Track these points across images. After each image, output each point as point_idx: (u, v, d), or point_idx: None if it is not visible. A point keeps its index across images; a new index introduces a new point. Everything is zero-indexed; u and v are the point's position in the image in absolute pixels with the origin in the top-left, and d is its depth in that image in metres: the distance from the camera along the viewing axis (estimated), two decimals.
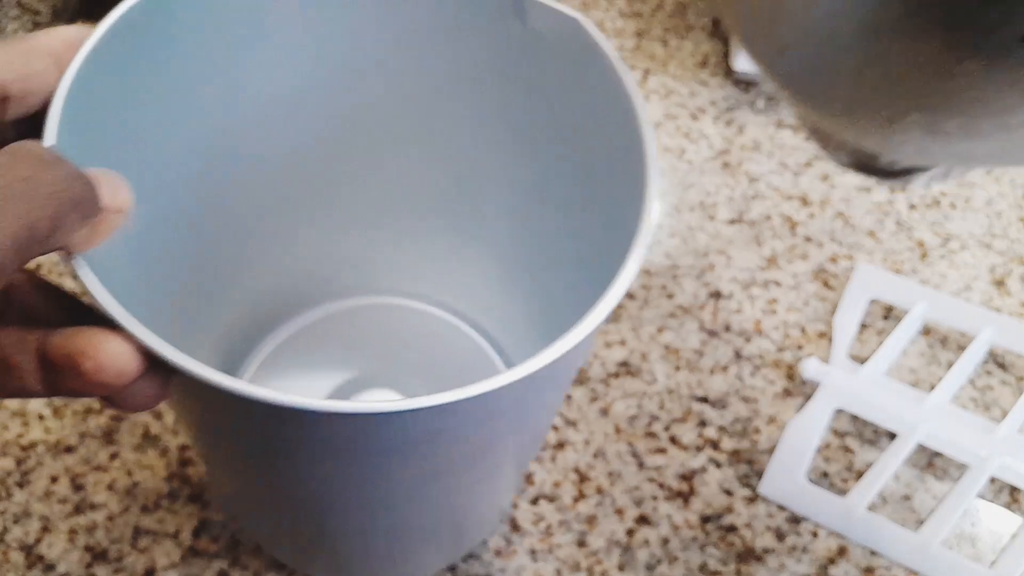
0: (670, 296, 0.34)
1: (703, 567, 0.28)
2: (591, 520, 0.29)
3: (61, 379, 0.16)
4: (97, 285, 0.16)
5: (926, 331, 0.34)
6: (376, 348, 0.31)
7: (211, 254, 0.26)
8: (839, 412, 0.31)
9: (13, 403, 0.32)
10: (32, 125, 0.18)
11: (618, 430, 0.31)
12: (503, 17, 0.22)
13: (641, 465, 0.30)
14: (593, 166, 0.22)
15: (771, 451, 0.30)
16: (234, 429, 0.19)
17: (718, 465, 0.30)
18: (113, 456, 0.30)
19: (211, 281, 0.27)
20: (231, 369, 0.30)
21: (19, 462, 0.30)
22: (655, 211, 0.18)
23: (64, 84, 0.18)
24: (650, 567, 0.28)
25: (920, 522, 0.29)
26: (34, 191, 0.14)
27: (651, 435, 0.31)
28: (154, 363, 0.16)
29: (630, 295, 0.34)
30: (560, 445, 0.31)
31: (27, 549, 0.29)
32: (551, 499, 0.30)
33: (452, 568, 0.28)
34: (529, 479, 0.30)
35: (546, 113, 0.23)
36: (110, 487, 0.30)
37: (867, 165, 0.19)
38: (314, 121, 0.25)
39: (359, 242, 0.30)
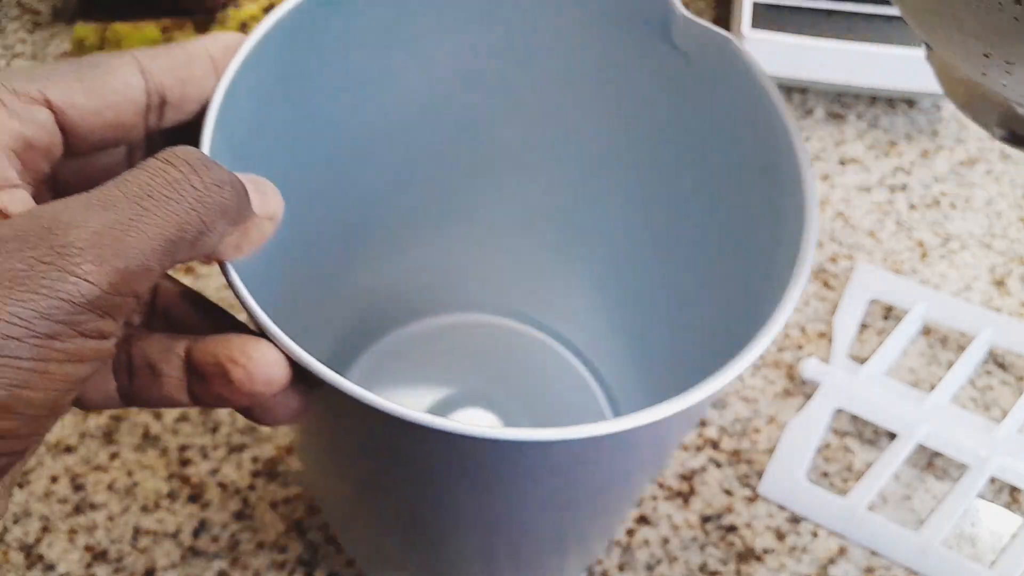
0: None
1: (703, 567, 0.28)
2: None
3: (207, 388, 0.16)
4: (246, 293, 0.16)
5: (926, 331, 0.34)
6: (475, 366, 0.30)
7: (320, 264, 0.26)
8: (839, 412, 0.31)
9: None
10: (184, 133, 0.18)
11: None
12: (648, 34, 0.20)
13: None
14: (734, 203, 0.21)
15: (771, 451, 0.30)
16: (364, 444, 0.18)
17: (718, 465, 0.30)
18: (113, 456, 0.30)
19: (316, 292, 0.27)
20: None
21: None
22: (807, 269, 0.16)
23: (220, 90, 0.17)
24: (650, 567, 0.28)
25: (920, 522, 0.29)
26: (183, 194, 0.14)
27: None
28: (298, 376, 0.16)
29: None
30: None
31: (27, 549, 0.29)
32: None
33: None
34: None
35: (686, 140, 0.21)
36: (110, 487, 0.30)
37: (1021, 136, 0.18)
38: (441, 136, 0.25)
39: (469, 258, 0.29)
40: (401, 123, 0.24)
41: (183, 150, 0.15)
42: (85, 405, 0.17)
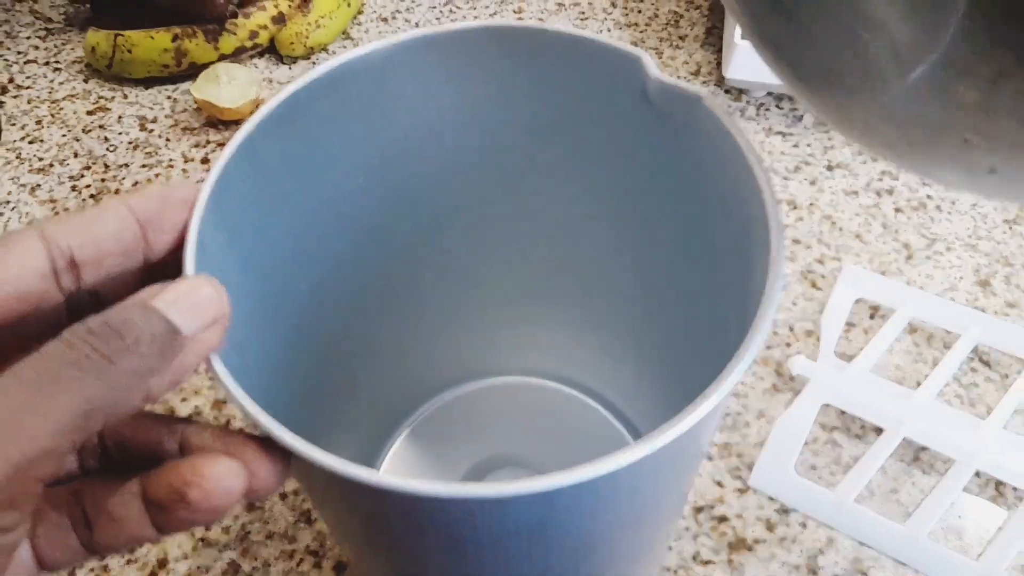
0: None
1: (696, 556, 0.29)
2: None
3: (170, 516, 0.16)
4: (224, 370, 0.16)
5: (912, 330, 0.34)
6: (508, 428, 0.31)
7: (344, 345, 0.27)
8: (827, 407, 0.32)
9: None
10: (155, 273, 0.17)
11: None
12: (628, 97, 0.21)
13: None
14: (718, 247, 0.22)
15: (761, 445, 0.31)
16: (351, 509, 0.18)
17: (710, 458, 0.31)
18: None
19: (346, 373, 0.28)
20: (371, 454, 0.30)
21: None
22: (776, 301, 0.17)
23: (193, 226, 0.18)
24: None
25: (907, 515, 0.30)
26: (86, 370, 0.14)
27: None
28: (273, 448, 0.16)
29: None
30: None
31: None
32: None
33: None
34: None
35: (673, 193, 0.23)
36: None
37: None
38: (439, 207, 0.26)
39: (486, 327, 0.30)
40: (396, 203, 0.25)
41: (85, 327, 0.14)
42: (49, 567, 0.16)
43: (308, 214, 0.23)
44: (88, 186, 0.40)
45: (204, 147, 0.41)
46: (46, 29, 0.48)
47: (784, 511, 0.30)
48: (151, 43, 0.43)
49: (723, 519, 0.30)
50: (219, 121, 0.42)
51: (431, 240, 0.27)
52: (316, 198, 0.23)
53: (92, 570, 0.28)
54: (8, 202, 0.40)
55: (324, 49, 0.45)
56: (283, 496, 0.30)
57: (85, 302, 0.17)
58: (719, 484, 0.31)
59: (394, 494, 0.15)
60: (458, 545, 0.18)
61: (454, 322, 0.30)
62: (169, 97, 0.43)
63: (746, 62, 0.39)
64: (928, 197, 0.39)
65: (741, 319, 0.19)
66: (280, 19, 0.44)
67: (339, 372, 0.27)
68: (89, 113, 0.43)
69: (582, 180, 0.25)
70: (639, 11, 0.46)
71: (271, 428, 0.16)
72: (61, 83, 0.45)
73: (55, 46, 0.47)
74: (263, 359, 0.21)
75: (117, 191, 0.40)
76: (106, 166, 0.41)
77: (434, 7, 0.48)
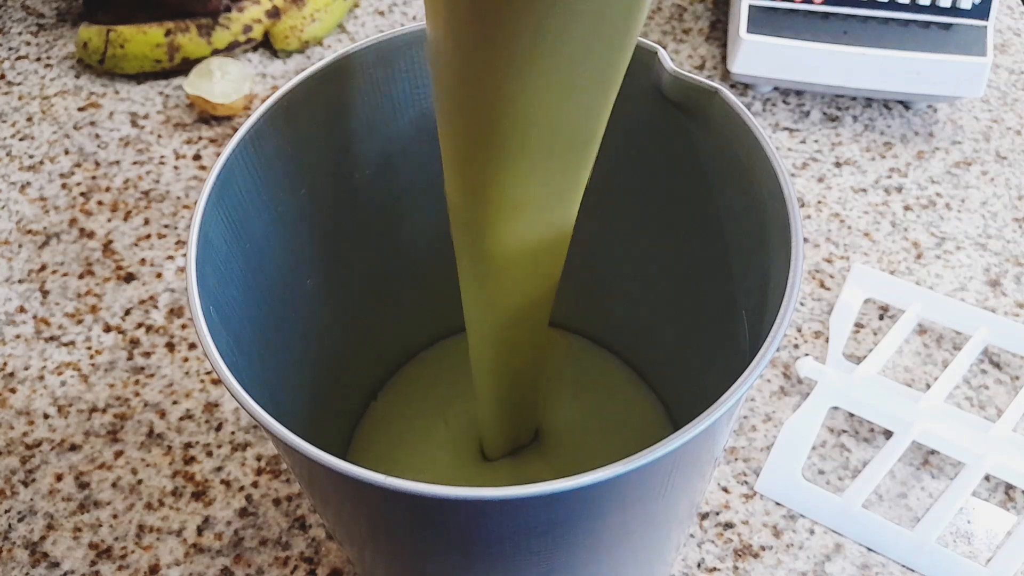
0: None
1: (700, 564, 0.29)
2: None
3: None
4: (227, 373, 0.16)
5: (921, 331, 0.34)
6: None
7: (349, 341, 0.26)
8: (835, 410, 0.32)
9: (19, 402, 0.32)
10: None
11: None
12: (643, 91, 0.21)
13: None
14: (732, 240, 0.21)
15: (768, 449, 0.31)
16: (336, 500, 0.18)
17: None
18: (118, 454, 0.31)
19: (352, 369, 0.27)
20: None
21: (24, 460, 0.31)
22: (794, 302, 0.17)
23: (196, 220, 0.18)
24: None
25: (916, 520, 0.29)
26: None
27: None
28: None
29: None
30: None
31: (32, 547, 0.29)
32: None
33: None
34: None
35: (686, 186, 0.22)
36: (114, 485, 0.30)
37: None
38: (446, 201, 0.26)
39: None
40: (421, 190, 0.25)
41: None
42: None
43: (314, 207, 0.23)
44: (79, 183, 0.39)
45: (196, 143, 0.41)
46: (38, 25, 0.47)
47: (791, 517, 0.29)
48: (144, 38, 0.42)
49: (729, 525, 0.29)
50: (211, 117, 0.41)
51: (442, 233, 0.26)
52: (321, 191, 0.23)
53: None
54: None
55: (319, 43, 0.45)
56: (276, 502, 0.30)
57: None
58: (725, 490, 0.30)
59: (403, 495, 0.15)
60: (465, 545, 0.17)
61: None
62: (161, 93, 0.43)
63: (751, 56, 0.38)
64: (937, 195, 0.38)
65: (757, 316, 0.18)
66: (274, 13, 0.44)
67: (344, 369, 0.27)
68: (80, 110, 0.43)
69: (592, 174, 0.25)
70: None
71: (279, 432, 0.15)
72: (52, 79, 0.44)
73: (47, 42, 0.46)
74: (267, 356, 0.21)
75: (108, 189, 0.39)
76: (97, 163, 0.40)
77: None
